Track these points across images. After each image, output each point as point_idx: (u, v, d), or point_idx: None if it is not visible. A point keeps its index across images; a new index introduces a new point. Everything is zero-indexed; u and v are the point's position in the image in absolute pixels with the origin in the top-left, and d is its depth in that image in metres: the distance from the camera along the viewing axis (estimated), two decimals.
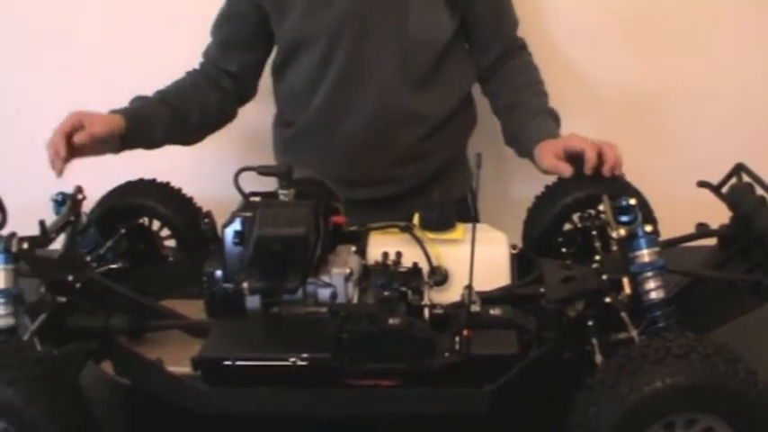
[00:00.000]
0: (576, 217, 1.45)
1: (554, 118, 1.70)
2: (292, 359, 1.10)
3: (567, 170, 1.48)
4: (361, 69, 1.70)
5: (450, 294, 1.23)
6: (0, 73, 2.06)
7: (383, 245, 1.28)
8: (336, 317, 1.17)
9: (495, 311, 1.17)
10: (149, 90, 1.67)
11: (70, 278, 1.24)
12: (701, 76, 2.06)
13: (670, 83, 2.06)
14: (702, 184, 1.35)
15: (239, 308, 1.21)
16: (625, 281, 1.15)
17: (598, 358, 1.13)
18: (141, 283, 1.38)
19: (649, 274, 1.15)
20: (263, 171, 1.23)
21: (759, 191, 1.29)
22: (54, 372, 1.08)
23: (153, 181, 1.53)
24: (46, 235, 1.26)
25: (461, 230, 1.30)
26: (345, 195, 1.34)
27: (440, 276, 1.24)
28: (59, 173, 1.40)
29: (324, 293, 1.21)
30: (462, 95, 1.82)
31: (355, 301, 1.22)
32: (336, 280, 1.21)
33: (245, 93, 1.82)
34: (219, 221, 1.26)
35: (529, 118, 1.69)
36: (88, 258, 1.39)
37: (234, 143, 2.04)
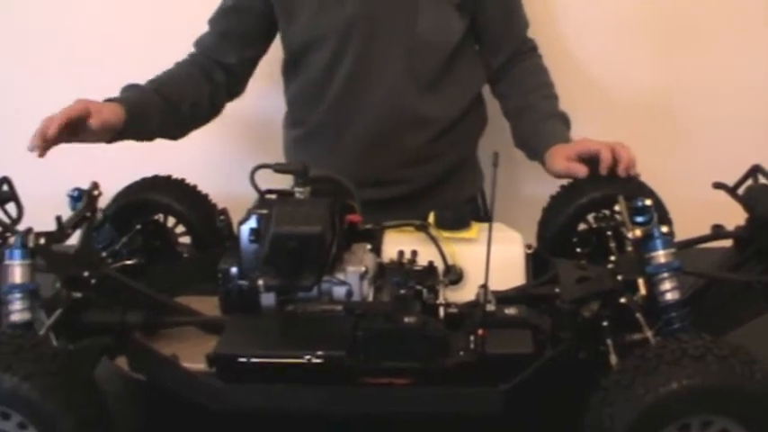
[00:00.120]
0: (590, 217, 1.45)
1: (564, 121, 1.70)
2: (307, 357, 1.10)
3: (581, 171, 1.48)
4: (370, 71, 1.70)
5: (465, 293, 1.23)
6: (23, 64, 2.08)
7: (398, 243, 1.28)
8: (351, 315, 1.17)
9: (510, 311, 1.17)
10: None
11: (86, 274, 1.24)
12: (716, 76, 2.05)
13: (684, 83, 2.06)
14: (718, 186, 1.34)
15: (254, 305, 1.21)
16: (640, 282, 1.15)
17: (613, 359, 1.13)
18: (156, 280, 1.38)
19: (665, 275, 1.15)
20: (280, 169, 1.23)
21: None
22: (70, 366, 1.09)
23: (168, 177, 1.53)
24: (62, 230, 1.26)
25: (476, 230, 1.30)
26: None
27: (455, 275, 1.24)
28: (38, 152, 1.35)
29: (339, 291, 1.21)
30: (472, 97, 1.81)
31: (370, 299, 1.22)
32: (352, 278, 1.21)
33: (236, 88, 1.79)
34: (235, 219, 1.26)
35: (539, 121, 1.69)
36: (104, 254, 1.39)
37: (250, 141, 2.05)
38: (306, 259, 1.15)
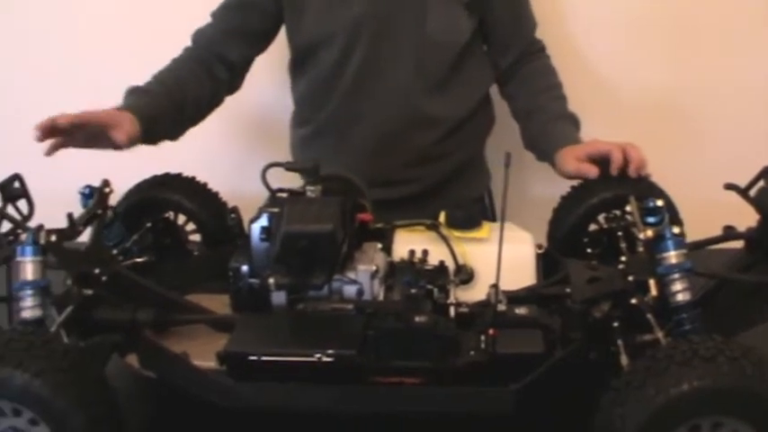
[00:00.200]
0: (601, 218, 1.45)
1: (574, 122, 1.70)
2: (318, 355, 1.10)
3: (592, 171, 1.48)
4: (378, 70, 1.70)
5: (476, 293, 1.23)
6: (36, 61, 2.08)
7: (409, 242, 1.28)
8: (362, 314, 1.17)
9: (520, 311, 1.17)
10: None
11: (97, 271, 1.24)
12: (727, 76, 2.04)
13: (695, 83, 2.05)
14: (729, 187, 1.34)
15: (265, 303, 1.21)
16: (651, 282, 1.15)
17: (624, 359, 1.12)
18: (166, 277, 1.38)
19: (676, 275, 1.14)
20: (291, 167, 1.23)
21: None
22: (81, 363, 1.09)
23: (179, 175, 1.53)
24: (73, 228, 1.26)
25: (487, 229, 1.30)
26: None
27: (465, 275, 1.24)
28: (40, 135, 1.33)
29: (350, 290, 1.21)
30: (480, 97, 1.81)
31: (381, 298, 1.22)
32: (362, 277, 1.21)
33: (235, 84, 1.76)
34: (245, 217, 1.26)
35: (549, 123, 1.69)
36: (114, 252, 1.39)
37: (261, 139, 2.05)
38: (317, 258, 1.15)
